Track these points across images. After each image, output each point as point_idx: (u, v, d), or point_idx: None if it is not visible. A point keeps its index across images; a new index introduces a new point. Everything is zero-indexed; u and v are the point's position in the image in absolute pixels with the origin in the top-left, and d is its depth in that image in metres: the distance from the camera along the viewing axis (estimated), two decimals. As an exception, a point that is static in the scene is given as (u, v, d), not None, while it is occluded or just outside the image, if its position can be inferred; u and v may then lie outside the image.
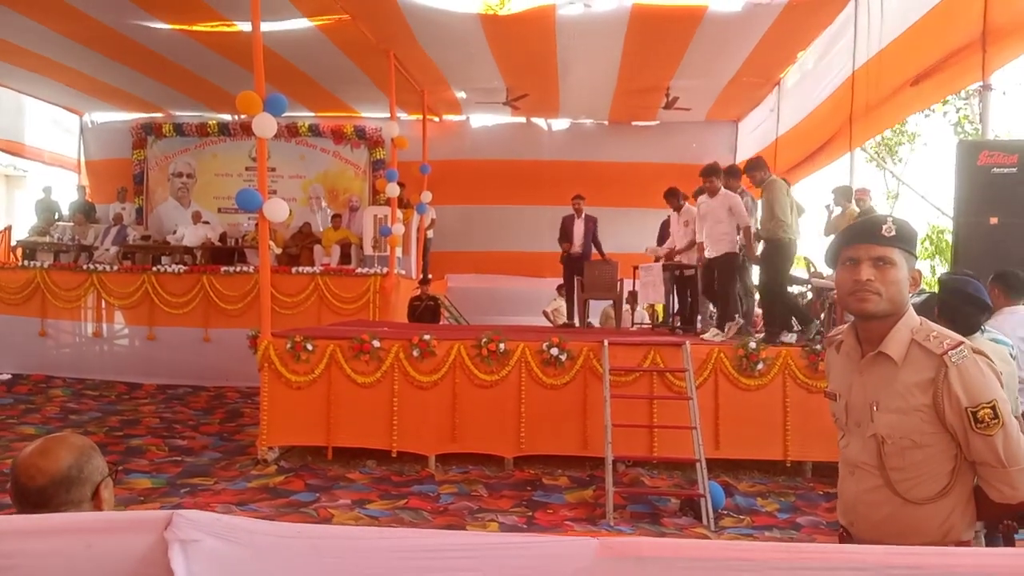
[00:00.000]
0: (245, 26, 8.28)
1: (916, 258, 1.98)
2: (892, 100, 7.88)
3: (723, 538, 5.38)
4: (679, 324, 8.62)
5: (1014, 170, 5.97)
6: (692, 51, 9.82)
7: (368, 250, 11.69)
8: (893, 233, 1.91)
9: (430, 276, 12.34)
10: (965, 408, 1.82)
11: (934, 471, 1.88)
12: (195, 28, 9.51)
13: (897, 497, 1.92)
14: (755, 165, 7.14)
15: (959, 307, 3.18)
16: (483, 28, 9.14)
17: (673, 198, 8.44)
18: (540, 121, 14.56)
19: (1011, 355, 3.25)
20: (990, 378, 1.83)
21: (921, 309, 2.00)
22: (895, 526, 1.93)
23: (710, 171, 7.40)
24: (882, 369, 1.95)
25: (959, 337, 1.89)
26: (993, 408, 1.81)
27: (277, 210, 7.03)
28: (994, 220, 5.96)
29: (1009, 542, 2.38)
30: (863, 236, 1.96)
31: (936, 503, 1.89)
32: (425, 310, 11.31)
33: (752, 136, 13.16)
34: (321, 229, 12.90)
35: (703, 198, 7.64)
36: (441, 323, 11.65)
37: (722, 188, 7.37)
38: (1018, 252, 5.81)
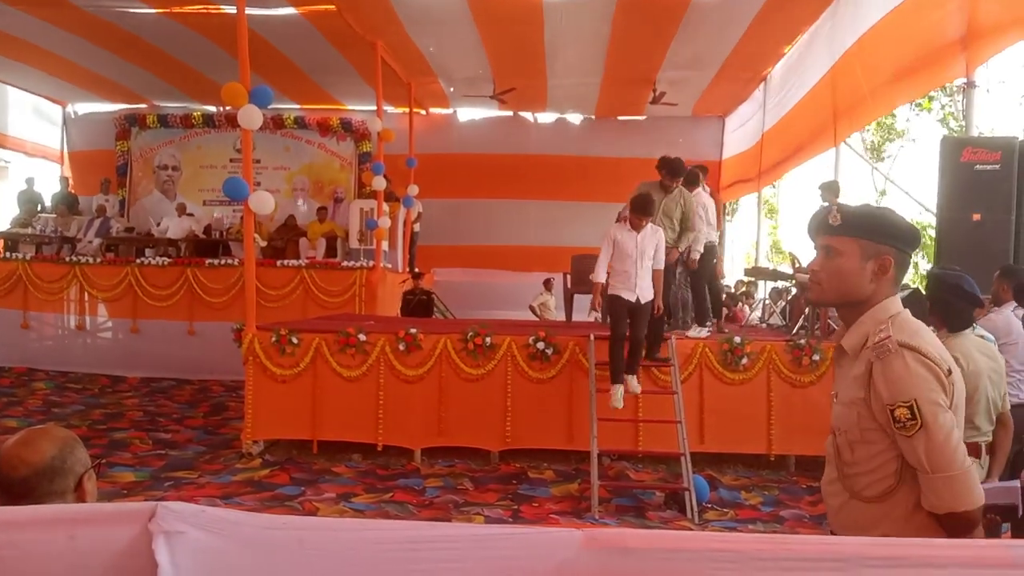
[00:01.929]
0: (230, 9, 8.23)
1: (887, 244, 1.87)
2: (875, 95, 7.92)
3: (707, 531, 5.41)
4: None
5: (997, 167, 6.03)
6: (679, 39, 9.82)
7: (354, 243, 11.64)
8: (839, 221, 1.88)
9: (418, 270, 12.32)
10: (885, 405, 1.76)
11: (879, 469, 1.82)
12: (179, 10, 9.41)
13: (846, 491, 1.89)
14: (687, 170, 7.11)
15: (952, 303, 3.19)
16: (471, 11, 9.11)
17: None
18: (527, 115, 14.55)
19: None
20: (916, 375, 1.73)
21: (907, 304, 1.97)
22: (845, 519, 1.91)
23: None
24: (844, 361, 1.96)
25: (894, 331, 1.81)
26: (910, 408, 1.71)
27: (263, 203, 7.01)
28: (977, 216, 6.02)
29: (992, 534, 2.41)
30: (813, 226, 1.97)
31: (880, 503, 1.82)
32: (418, 304, 11.29)
33: (738, 132, 13.22)
34: (306, 221, 12.85)
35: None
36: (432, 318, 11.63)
37: None
38: (1000, 248, 5.88)
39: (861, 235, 1.87)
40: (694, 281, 7.41)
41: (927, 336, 1.81)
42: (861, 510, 1.86)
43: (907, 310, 1.90)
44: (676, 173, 6.88)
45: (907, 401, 1.72)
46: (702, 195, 7.59)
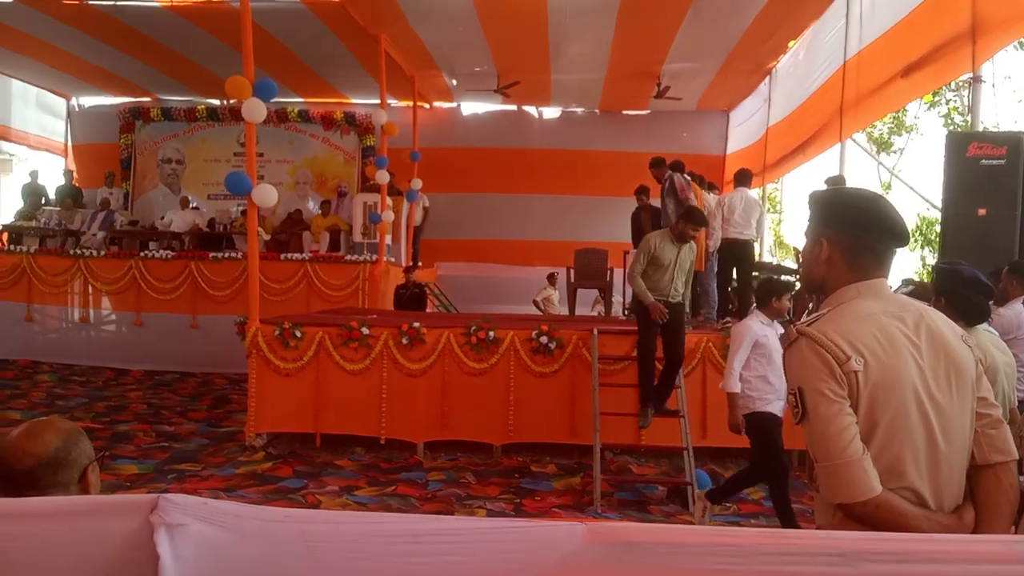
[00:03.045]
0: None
1: (824, 226, 1.84)
2: (882, 91, 7.89)
3: (709, 525, 5.41)
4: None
5: (1003, 162, 5.99)
6: (683, 34, 9.78)
7: (357, 237, 11.65)
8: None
9: (419, 264, 12.31)
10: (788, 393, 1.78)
11: None
12: (182, 2, 9.38)
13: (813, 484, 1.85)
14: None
15: (971, 296, 3.14)
16: (475, 5, 9.07)
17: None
18: (531, 109, 14.53)
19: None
20: (806, 363, 1.70)
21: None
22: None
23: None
24: None
25: (821, 320, 1.77)
26: (795, 395, 1.72)
27: (266, 196, 7.01)
28: (982, 211, 5.98)
29: None
30: None
31: (820, 496, 1.78)
32: (411, 298, 11.29)
33: (743, 126, 13.18)
34: (310, 215, 12.86)
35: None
36: (430, 311, 11.63)
37: None
38: (1006, 243, 5.85)
39: (811, 218, 1.89)
40: (741, 276, 7.75)
41: (844, 325, 1.71)
42: (816, 503, 1.84)
43: (862, 299, 1.77)
44: (701, 223, 6.31)
45: (793, 390, 1.73)
46: (747, 193, 7.84)
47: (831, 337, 1.68)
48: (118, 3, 9.36)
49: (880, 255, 1.80)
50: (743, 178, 7.97)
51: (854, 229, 1.79)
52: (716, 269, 8.07)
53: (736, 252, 7.73)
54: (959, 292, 3.17)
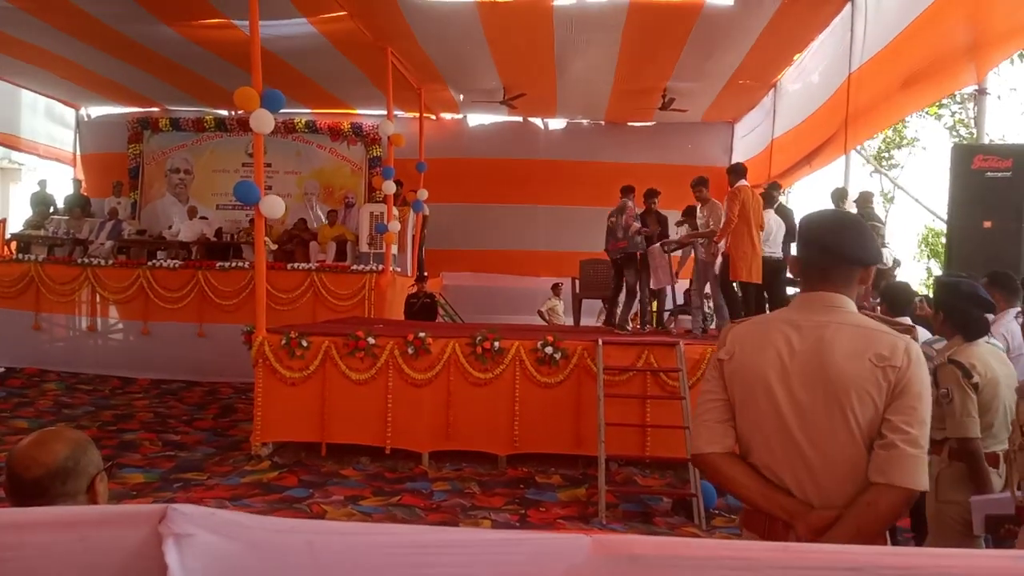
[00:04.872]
0: (244, 24, 8.30)
1: (797, 246, 2.13)
2: (887, 103, 7.90)
3: (715, 538, 5.39)
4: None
5: (1008, 174, 6.00)
6: (689, 50, 9.81)
7: (364, 247, 11.67)
8: None
9: (426, 274, 12.33)
10: None
11: None
12: (193, 24, 9.47)
13: None
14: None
15: (970, 311, 3.13)
16: (481, 21, 9.12)
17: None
18: (537, 121, 14.57)
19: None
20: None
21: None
22: None
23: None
24: None
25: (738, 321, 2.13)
26: None
27: (273, 206, 7.03)
28: (988, 223, 5.99)
29: (1006, 544, 2.38)
30: None
31: None
32: (421, 308, 11.31)
33: (748, 138, 13.18)
34: (316, 225, 12.89)
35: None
36: (436, 321, 11.64)
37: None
38: (1011, 255, 5.85)
39: None
40: (775, 291, 8.05)
41: (746, 325, 2.05)
42: None
43: (788, 308, 2.03)
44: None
45: None
46: (773, 214, 8.21)
47: (726, 333, 2.06)
48: (129, 24, 9.43)
49: (824, 271, 1.96)
50: (771, 199, 8.42)
51: (800, 248, 2.05)
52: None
53: (773, 267, 7.95)
54: (957, 306, 3.16)
